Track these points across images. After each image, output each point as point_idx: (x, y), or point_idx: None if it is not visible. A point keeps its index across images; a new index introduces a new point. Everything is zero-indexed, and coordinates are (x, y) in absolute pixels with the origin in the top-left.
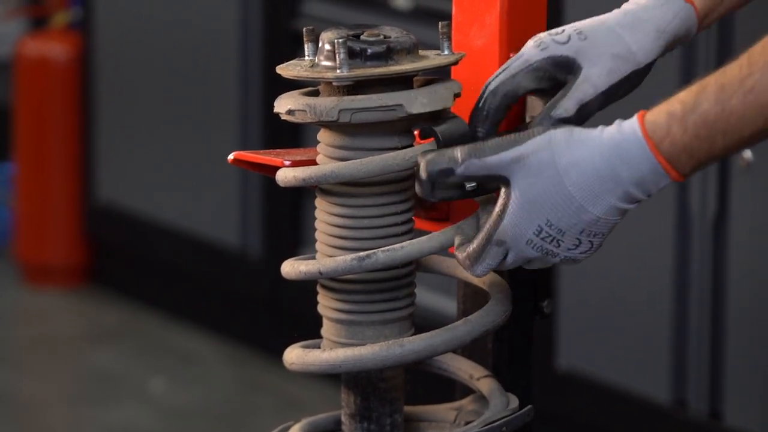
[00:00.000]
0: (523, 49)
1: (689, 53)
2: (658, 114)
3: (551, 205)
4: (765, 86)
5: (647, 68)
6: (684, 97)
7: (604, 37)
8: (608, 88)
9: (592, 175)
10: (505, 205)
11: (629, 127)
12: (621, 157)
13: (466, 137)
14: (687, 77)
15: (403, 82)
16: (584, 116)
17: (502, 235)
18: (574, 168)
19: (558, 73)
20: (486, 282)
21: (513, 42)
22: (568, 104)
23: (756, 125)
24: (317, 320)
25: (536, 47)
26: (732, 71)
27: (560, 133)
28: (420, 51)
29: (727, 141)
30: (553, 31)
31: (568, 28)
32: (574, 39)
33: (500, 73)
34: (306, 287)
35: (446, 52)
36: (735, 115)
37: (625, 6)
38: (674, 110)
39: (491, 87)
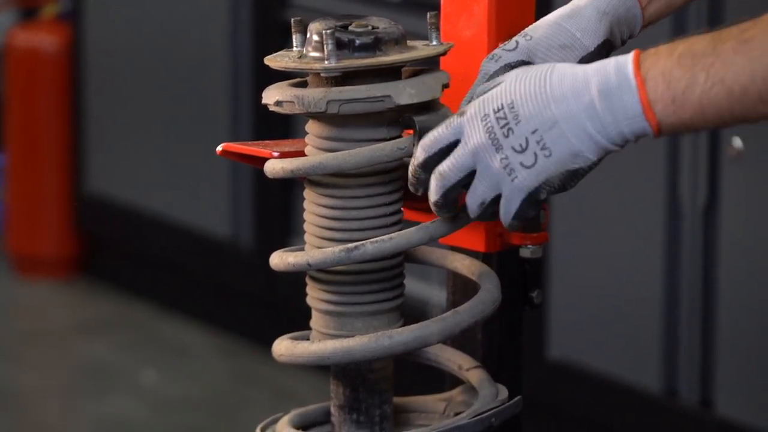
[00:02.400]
0: (479, 70)
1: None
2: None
3: (526, 87)
4: (761, 41)
5: (598, 51)
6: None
7: (548, 32)
8: None
9: (570, 75)
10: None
11: (627, 54)
12: (600, 65)
13: None
14: None
15: (392, 72)
16: None
17: (471, 105)
18: (562, 68)
19: None
20: (476, 272)
21: (501, 32)
22: None
23: (740, 75)
24: (309, 312)
25: (489, 60)
26: (734, 26)
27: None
28: (408, 41)
29: (708, 86)
30: (504, 44)
31: (515, 36)
32: (521, 42)
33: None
34: (298, 279)
35: (434, 43)
36: (723, 57)
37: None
38: (672, 43)
39: (462, 104)
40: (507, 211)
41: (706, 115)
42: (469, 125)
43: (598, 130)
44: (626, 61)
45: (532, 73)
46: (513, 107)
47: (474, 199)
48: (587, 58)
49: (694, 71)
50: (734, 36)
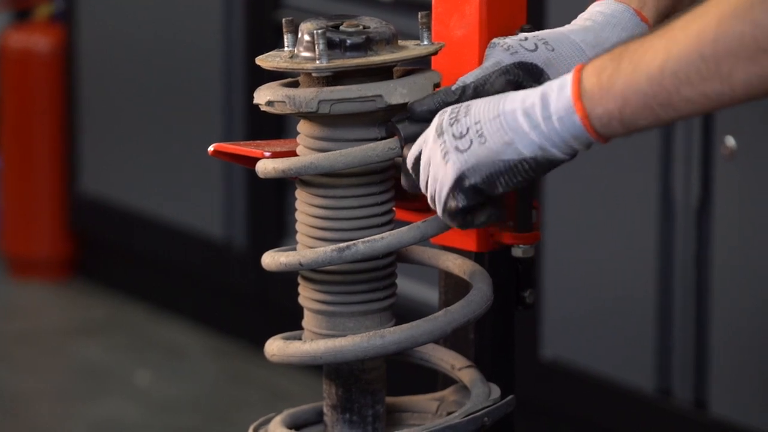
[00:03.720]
0: (488, 53)
1: None
2: None
3: (485, 99)
4: (682, 22)
5: None
6: None
7: (569, 51)
8: None
9: (523, 90)
10: None
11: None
12: (547, 85)
13: None
14: None
15: (383, 72)
16: None
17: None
18: (513, 93)
19: (525, 80)
20: (467, 272)
21: (493, 32)
22: None
23: (657, 57)
24: (302, 312)
25: (505, 51)
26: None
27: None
28: (400, 41)
29: (629, 69)
30: (515, 37)
31: (530, 37)
32: (542, 48)
33: (474, 72)
34: (292, 279)
35: (426, 43)
36: (647, 43)
37: (583, 22)
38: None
39: (465, 79)
40: (440, 198)
41: (632, 104)
42: (432, 125)
43: (533, 125)
44: (567, 78)
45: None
46: (469, 107)
47: (425, 190)
48: None
49: (620, 59)
50: (666, 24)
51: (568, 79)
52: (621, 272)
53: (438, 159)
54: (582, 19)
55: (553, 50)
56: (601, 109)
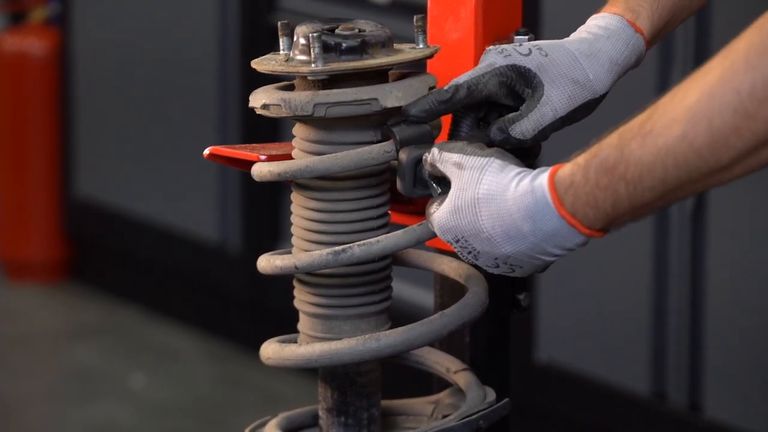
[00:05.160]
0: (483, 56)
1: (667, 53)
2: (566, 166)
3: (466, 224)
4: (660, 129)
5: (602, 98)
6: (592, 145)
7: (563, 59)
8: (567, 113)
9: (504, 216)
10: (441, 201)
11: (540, 180)
12: (526, 210)
13: (426, 135)
14: (664, 80)
15: (378, 75)
16: (539, 138)
17: (435, 227)
18: (487, 203)
19: (518, 84)
20: (463, 275)
21: (488, 35)
22: (526, 127)
23: (654, 172)
24: (297, 315)
25: (499, 54)
26: (636, 118)
27: (496, 164)
28: (395, 44)
29: (630, 191)
30: (515, 44)
31: (524, 43)
32: (536, 53)
33: (467, 73)
34: (286, 282)
35: (421, 46)
36: (633, 160)
37: (579, 34)
38: (579, 160)
39: (458, 81)
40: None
41: (641, 212)
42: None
43: (552, 256)
44: (547, 203)
45: (462, 203)
46: (467, 241)
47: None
48: (593, 103)
49: (614, 186)
50: (637, 131)
51: (561, 220)
52: (616, 275)
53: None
54: (579, 31)
55: (546, 56)
56: (613, 226)
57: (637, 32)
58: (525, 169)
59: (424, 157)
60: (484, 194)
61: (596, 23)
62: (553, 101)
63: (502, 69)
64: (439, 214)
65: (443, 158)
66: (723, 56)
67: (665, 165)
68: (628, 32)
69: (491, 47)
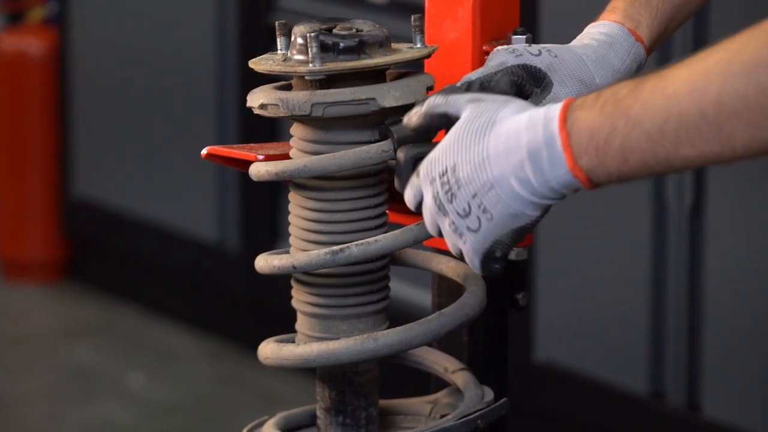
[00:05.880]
0: (491, 56)
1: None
2: (590, 94)
3: (466, 148)
4: (675, 78)
5: None
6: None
7: (572, 60)
8: None
9: (505, 133)
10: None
11: (560, 103)
12: (534, 121)
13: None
14: None
15: (376, 75)
16: None
17: (422, 167)
18: (500, 123)
19: (528, 84)
20: (461, 275)
21: (486, 35)
22: None
23: (656, 116)
24: (295, 314)
25: (510, 53)
26: (660, 68)
27: (519, 101)
28: (393, 44)
29: (627, 129)
30: (525, 44)
31: (538, 45)
32: (545, 54)
33: (479, 70)
34: (285, 281)
35: (419, 46)
36: (642, 98)
37: (581, 41)
38: (600, 90)
39: (470, 77)
40: (473, 266)
41: (630, 163)
42: (424, 189)
43: (530, 192)
44: (553, 116)
45: (474, 126)
46: (455, 170)
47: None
48: None
49: (615, 117)
50: (655, 75)
51: (555, 135)
52: (614, 275)
53: (452, 236)
54: (580, 39)
55: (555, 57)
56: (600, 170)
57: (638, 41)
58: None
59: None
60: (500, 118)
61: (598, 30)
62: (561, 98)
63: (513, 68)
64: (435, 150)
65: (451, 100)
66: (750, 33)
67: (668, 112)
68: (629, 41)
69: (501, 47)
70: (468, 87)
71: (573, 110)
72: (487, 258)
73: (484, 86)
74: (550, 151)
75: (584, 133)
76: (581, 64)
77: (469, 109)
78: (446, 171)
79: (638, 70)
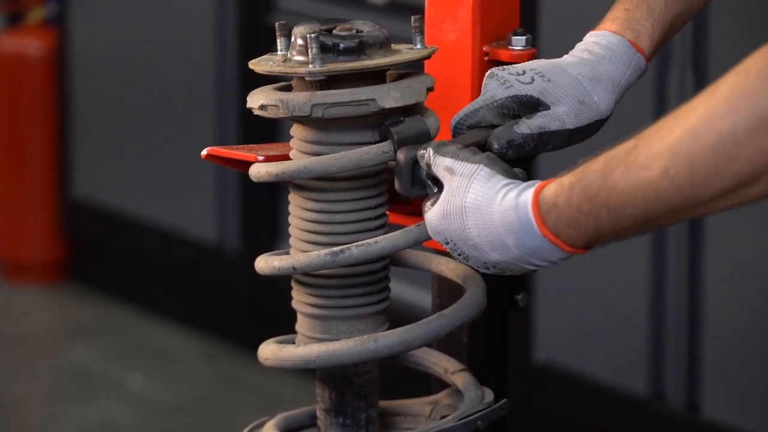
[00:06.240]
0: (485, 83)
1: (664, 54)
2: (551, 185)
3: (455, 230)
4: (644, 161)
5: (607, 118)
6: (579, 167)
7: (567, 82)
8: (575, 128)
9: (489, 228)
10: (435, 201)
11: (525, 197)
12: (509, 225)
13: (424, 136)
14: (661, 81)
15: (376, 76)
16: (544, 144)
17: (428, 227)
18: (473, 213)
19: (522, 111)
20: (461, 276)
21: (486, 36)
22: (531, 123)
23: (636, 203)
24: (295, 315)
25: (500, 85)
26: (623, 145)
27: (484, 172)
28: (393, 45)
29: (612, 218)
30: (512, 69)
31: (528, 70)
32: (538, 80)
33: (464, 109)
34: (285, 282)
35: (419, 46)
36: (616, 189)
37: (581, 53)
38: (564, 181)
39: (455, 121)
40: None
41: (626, 236)
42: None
43: (537, 267)
44: (530, 222)
45: (451, 209)
46: (455, 244)
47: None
48: (600, 123)
49: (596, 212)
50: (622, 160)
51: (542, 238)
52: (614, 276)
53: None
54: (579, 50)
55: (549, 81)
56: (599, 243)
57: (638, 52)
58: (512, 180)
59: (419, 154)
60: (471, 204)
61: (596, 41)
62: (560, 114)
63: (501, 101)
64: (431, 215)
65: (437, 162)
66: (707, 96)
67: (646, 198)
68: (629, 53)
69: (495, 71)
70: (455, 128)
71: (548, 214)
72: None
73: (471, 125)
74: (546, 250)
75: (572, 230)
76: (577, 84)
77: (446, 183)
78: (449, 242)
79: (639, 79)
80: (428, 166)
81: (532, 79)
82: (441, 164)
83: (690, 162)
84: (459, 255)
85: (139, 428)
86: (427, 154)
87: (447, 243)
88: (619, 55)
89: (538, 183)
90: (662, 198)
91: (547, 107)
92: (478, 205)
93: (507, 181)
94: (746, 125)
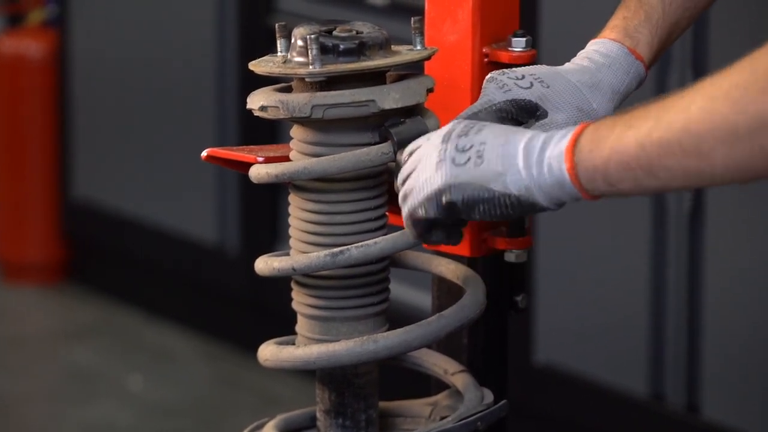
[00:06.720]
0: (484, 87)
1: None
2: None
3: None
4: (674, 97)
5: None
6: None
7: (565, 89)
8: None
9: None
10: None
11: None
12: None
13: (423, 137)
14: (660, 82)
15: (376, 77)
16: None
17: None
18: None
19: (521, 116)
20: (460, 277)
21: (485, 37)
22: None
23: (648, 121)
24: (295, 317)
25: (498, 89)
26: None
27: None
28: (393, 46)
29: (621, 130)
30: (512, 74)
31: (527, 75)
32: (537, 86)
33: (463, 112)
34: (285, 283)
35: (419, 48)
36: (641, 110)
37: (581, 60)
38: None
39: (460, 117)
40: (413, 201)
41: (615, 163)
42: (439, 131)
43: (526, 164)
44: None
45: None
46: (483, 127)
47: (401, 183)
48: None
49: (617, 121)
50: (671, 98)
51: (571, 129)
52: (614, 277)
53: (431, 161)
54: (580, 58)
55: (548, 87)
56: (588, 164)
57: (637, 59)
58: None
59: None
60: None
61: (596, 49)
62: (559, 123)
63: (500, 105)
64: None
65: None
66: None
67: (658, 119)
68: (628, 60)
69: (494, 74)
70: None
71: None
72: (436, 195)
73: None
74: (560, 138)
75: (590, 130)
76: (576, 91)
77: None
78: (476, 123)
79: (638, 87)
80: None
81: (531, 84)
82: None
83: (702, 106)
84: (465, 128)
85: (139, 429)
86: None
87: (470, 127)
88: (618, 63)
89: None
90: (671, 126)
91: (545, 113)
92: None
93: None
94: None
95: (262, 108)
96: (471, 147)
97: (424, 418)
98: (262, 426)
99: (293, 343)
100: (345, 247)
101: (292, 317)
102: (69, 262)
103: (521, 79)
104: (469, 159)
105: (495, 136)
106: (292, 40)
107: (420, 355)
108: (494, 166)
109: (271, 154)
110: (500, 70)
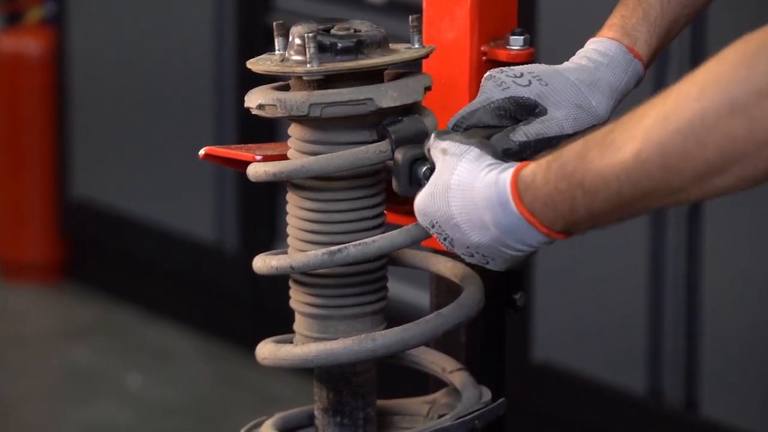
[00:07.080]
0: (482, 85)
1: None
2: (531, 164)
3: (438, 209)
4: (619, 144)
5: (605, 123)
6: (561, 147)
7: (564, 87)
8: (574, 133)
9: (469, 205)
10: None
11: (505, 175)
12: (488, 201)
13: (421, 135)
14: (659, 81)
15: (374, 76)
16: (540, 150)
17: (416, 212)
18: (457, 190)
19: (519, 113)
20: (459, 275)
21: (484, 35)
22: (529, 130)
23: (610, 186)
24: (293, 315)
25: (497, 86)
26: (603, 127)
27: (474, 153)
28: (390, 44)
29: (587, 199)
30: (510, 72)
31: (525, 73)
32: (535, 83)
33: (461, 110)
34: (283, 281)
35: (417, 46)
36: (591, 170)
37: (580, 59)
38: (542, 161)
39: (452, 122)
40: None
41: (602, 222)
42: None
43: (515, 250)
44: (507, 198)
45: (441, 182)
46: (440, 227)
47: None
48: (598, 127)
49: (571, 191)
50: (599, 141)
51: (519, 216)
52: (612, 275)
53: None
54: (578, 57)
55: (546, 85)
56: (576, 230)
57: (636, 58)
58: (498, 162)
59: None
60: (456, 181)
61: (595, 48)
62: (559, 119)
63: (498, 102)
64: (419, 198)
65: (434, 144)
66: (683, 82)
67: (620, 180)
68: (626, 58)
69: (491, 76)
70: (453, 130)
71: (525, 192)
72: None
73: (469, 127)
74: (522, 228)
75: (547, 209)
76: (575, 89)
77: (438, 164)
78: (434, 225)
79: (637, 85)
80: (428, 151)
81: (530, 82)
82: (438, 147)
83: (661, 146)
84: (444, 239)
85: (139, 428)
86: (430, 139)
87: (432, 226)
88: (617, 61)
89: (519, 163)
90: (634, 181)
91: (544, 110)
92: (462, 182)
93: (493, 161)
94: (716, 112)
95: (260, 106)
96: (471, 252)
97: (422, 416)
98: (260, 424)
99: (291, 342)
100: (343, 245)
101: (291, 316)
102: (68, 261)
103: (520, 77)
104: (482, 256)
105: (470, 244)
106: (290, 39)
107: (418, 354)
108: (500, 255)
109: (269, 153)
110: (498, 68)
